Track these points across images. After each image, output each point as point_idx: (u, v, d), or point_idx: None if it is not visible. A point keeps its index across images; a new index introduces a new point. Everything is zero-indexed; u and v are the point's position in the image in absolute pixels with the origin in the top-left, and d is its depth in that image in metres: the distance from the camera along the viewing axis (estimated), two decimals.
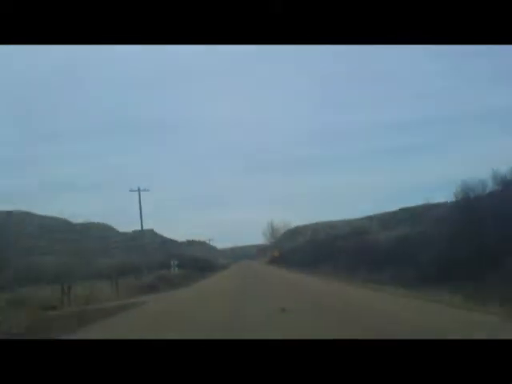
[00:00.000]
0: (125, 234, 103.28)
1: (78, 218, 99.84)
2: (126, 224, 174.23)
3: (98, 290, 28.72)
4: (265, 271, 60.27)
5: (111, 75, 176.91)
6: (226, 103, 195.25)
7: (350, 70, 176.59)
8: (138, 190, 48.01)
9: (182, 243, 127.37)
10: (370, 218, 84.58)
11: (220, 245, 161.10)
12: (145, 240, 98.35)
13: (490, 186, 23.61)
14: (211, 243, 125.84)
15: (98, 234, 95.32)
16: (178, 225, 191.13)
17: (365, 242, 41.49)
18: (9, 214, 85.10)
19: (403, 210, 69.28)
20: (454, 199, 26.36)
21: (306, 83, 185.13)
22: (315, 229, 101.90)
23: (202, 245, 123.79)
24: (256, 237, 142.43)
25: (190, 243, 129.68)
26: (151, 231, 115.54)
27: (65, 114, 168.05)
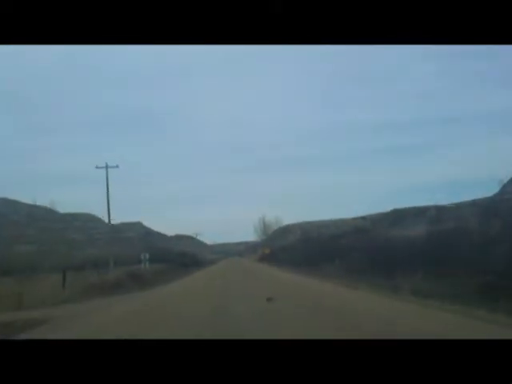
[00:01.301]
0: (112, 225, 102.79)
1: (65, 208, 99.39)
2: (115, 216, 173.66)
3: (43, 288, 24.13)
4: (254, 269, 54.90)
5: (110, 71, 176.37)
6: (224, 102, 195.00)
7: (350, 69, 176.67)
8: (106, 166, 42.62)
9: (170, 237, 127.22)
10: (363, 218, 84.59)
11: (210, 241, 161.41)
12: (130, 233, 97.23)
13: None
14: (199, 238, 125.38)
15: (83, 225, 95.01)
16: (169, 219, 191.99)
17: (377, 240, 34.82)
18: None
19: (396, 211, 69.37)
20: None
21: (304, 83, 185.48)
22: (306, 227, 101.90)
23: (191, 240, 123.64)
24: (246, 234, 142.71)
25: (179, 238, 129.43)
26: (139, 224, 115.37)
27: (62, 107, 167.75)
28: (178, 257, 66.98)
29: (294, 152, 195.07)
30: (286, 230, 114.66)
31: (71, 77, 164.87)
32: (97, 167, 42.82)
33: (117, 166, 43.47)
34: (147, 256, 46.92)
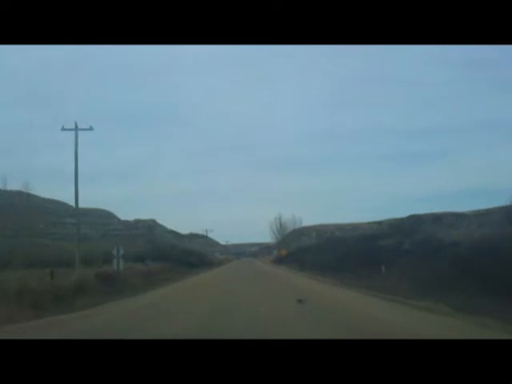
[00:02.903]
0: (126, 222, 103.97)
1: (81, 203, 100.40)
2: (130, 213, 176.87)
3: None
4: (274, 275, 43.65)
5: (114, 67, 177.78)
6: (233, 100, 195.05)
7: (356, 71, 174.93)
8: (75, 128, 31.68)
9: (184, 236, 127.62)
10: (379, 223, 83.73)
11: (223, 241, 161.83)
12: (141, 230, 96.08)
13: None
14: (211, 236, 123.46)
15: (97, 221, 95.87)
16: (184, 218, 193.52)
17: (437, 243, 26.14)
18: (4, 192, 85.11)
19: (412, 217, 68.36)
20: None
21: (311, 83, 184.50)
22: (322, 229, 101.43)
23: (204, 239, 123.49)
24: (260, 236, 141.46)
25: (193, 236, 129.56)
26: (153, 221, 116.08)
27: (71, 101, 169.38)
28: (183, 255, 60.25)
29: (309, 153, 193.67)
30: (303, 231, 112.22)
31: (80, 73, 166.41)
32: (63, 129, 32.06)
33: (91, 129, 32.57)
34: (121, 251, 32.58)
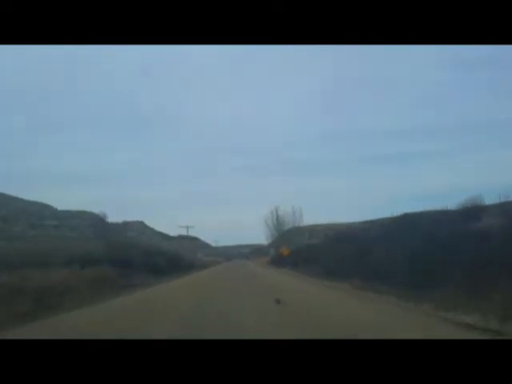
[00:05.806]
0: (114, 224, 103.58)
1: (65, 206, 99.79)
2: (122, 215, 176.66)
3: None
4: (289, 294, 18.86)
5: (113, 70, 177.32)
6: (227, 102, 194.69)
7: (357, 72, 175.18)
8: None
9: (173, 237, 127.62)
10: (371, 223, 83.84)
11: (214, 242, 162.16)
12: (130, 232, 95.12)
13: None
14: (191, 233, 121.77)
15: (82, 223, 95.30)
16: (175, 220, 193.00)
17: None
18: None
19: (407, 216, 68.58)
20: None
21: (310, 85, 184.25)
22: (313, 230, 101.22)
23: (193, 240, 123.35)
24: (253, 237, 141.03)
25: (182, 238, 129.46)
26: (141, 223, 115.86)
27: (64, 106, 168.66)
28: (147, 257, 42.83)
29: (296, 155, 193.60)
30: (297, 231, 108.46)
31: (73, 75, 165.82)
32: None
33: None
34: None
